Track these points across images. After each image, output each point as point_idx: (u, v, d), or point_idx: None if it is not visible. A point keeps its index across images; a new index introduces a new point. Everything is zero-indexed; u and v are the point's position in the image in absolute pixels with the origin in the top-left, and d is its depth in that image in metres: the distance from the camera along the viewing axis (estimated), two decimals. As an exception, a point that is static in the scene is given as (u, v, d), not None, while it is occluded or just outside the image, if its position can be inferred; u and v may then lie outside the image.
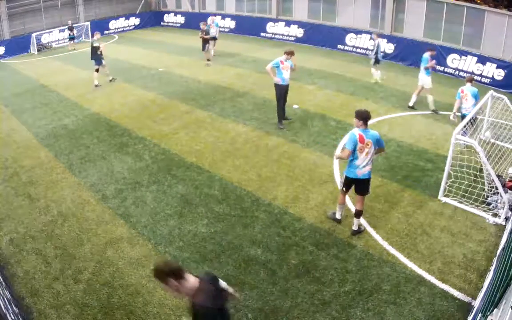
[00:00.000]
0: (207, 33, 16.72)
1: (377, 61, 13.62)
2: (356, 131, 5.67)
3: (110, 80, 14.58)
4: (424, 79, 10.87)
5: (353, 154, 5.68)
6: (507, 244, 4.87)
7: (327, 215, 6.51)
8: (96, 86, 14.01)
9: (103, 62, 14.03)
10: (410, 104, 11.25)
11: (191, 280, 3.06)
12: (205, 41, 16.49)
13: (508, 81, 13.14)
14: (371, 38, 16.02)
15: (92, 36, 15.02)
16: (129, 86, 14.13)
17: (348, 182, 5.98)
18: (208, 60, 16.61)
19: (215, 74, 15.03)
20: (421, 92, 11.12)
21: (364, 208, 6.26)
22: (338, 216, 6.34)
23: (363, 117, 5.64)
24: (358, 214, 6.06)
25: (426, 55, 10.85)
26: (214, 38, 17.67)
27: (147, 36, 24.41)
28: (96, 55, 13.89)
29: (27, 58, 20.59)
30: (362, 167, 5.74)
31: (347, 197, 6.47)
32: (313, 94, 12.53)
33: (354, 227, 6.10)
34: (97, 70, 13.99)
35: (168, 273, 2.99)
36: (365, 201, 6.22)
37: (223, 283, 3.40)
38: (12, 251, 5.92)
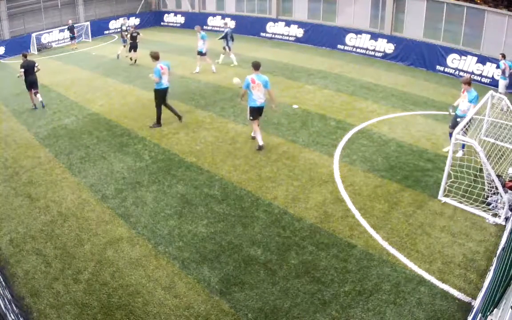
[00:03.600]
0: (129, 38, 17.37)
1: (228, 47, 15.84)
2: (249, 76, 8.38)
3: (122, 56, 18.27)
4: None
5: (251, 91, 8.38)
6: (507, 244, 4.87)
7: (256, 149, 8.64)
8: (118, 56, 18.48)
9: (127, 41, 17.99)
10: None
11: None
12: (132, 39, 17.23)
13: (508, 81, 13.10)
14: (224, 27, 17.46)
15: (124, 23, 19.98)
16: (129, 86, 14.13)
17: (254, 111, 8.54)
18: (131, 59, 17.42)
19: (215, 74, 15.03)
20: None
21: (364, 208, 6.74)
22: (260, 142, 8.69)
23: (255, 66, 8.41)
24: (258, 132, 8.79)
25: None
26: (202, 53, 14.83)
27: (147, 36, 24.29)
28: (123, 36, 18.86)
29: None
30: (259, 99, 8.46)
31: (346, 196, 7.04)
32: (313, 94, 12.52)
33: (260, 143, 8.68)
34: (124, 46, 18.44)
35: None
36: (366, 201, 6.95)
37: None
38: (12, 251, 5.92)
